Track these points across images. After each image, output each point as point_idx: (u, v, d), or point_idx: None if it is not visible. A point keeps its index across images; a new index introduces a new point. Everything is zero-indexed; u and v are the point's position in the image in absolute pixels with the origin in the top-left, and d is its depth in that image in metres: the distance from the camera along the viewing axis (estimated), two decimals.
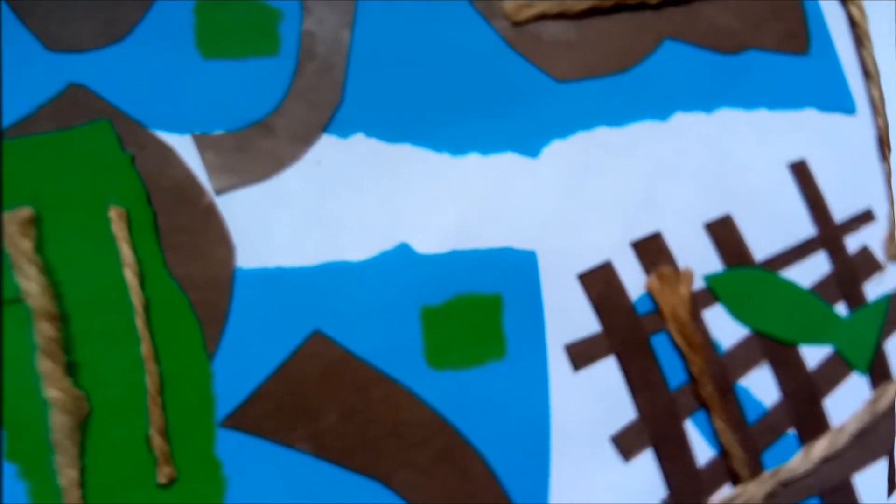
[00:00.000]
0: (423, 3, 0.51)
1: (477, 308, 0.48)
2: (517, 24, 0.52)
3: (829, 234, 0.55)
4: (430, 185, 0.49)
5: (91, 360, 0.42)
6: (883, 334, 0.54)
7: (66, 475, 0.40)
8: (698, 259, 0.53)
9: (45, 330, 0.41)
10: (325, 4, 0.49)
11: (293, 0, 0.49)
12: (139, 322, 0.42)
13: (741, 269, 0.53)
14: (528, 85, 0.52)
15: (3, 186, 0.42)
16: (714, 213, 0.54)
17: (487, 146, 0.51)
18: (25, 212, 0.42)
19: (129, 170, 0.45)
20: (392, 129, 0.49)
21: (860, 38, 0.58)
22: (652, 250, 0.52)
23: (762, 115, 0.56)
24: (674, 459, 0.49)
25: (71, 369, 0.41)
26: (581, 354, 0.49)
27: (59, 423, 0.40)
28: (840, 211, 0.56)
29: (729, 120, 0.55)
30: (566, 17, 0.53)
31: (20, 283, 0.41)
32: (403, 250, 0.48)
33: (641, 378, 0.49)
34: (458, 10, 0.52)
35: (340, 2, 0.50)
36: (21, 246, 0.42)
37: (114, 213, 0.44)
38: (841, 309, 0.54)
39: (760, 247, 0.54)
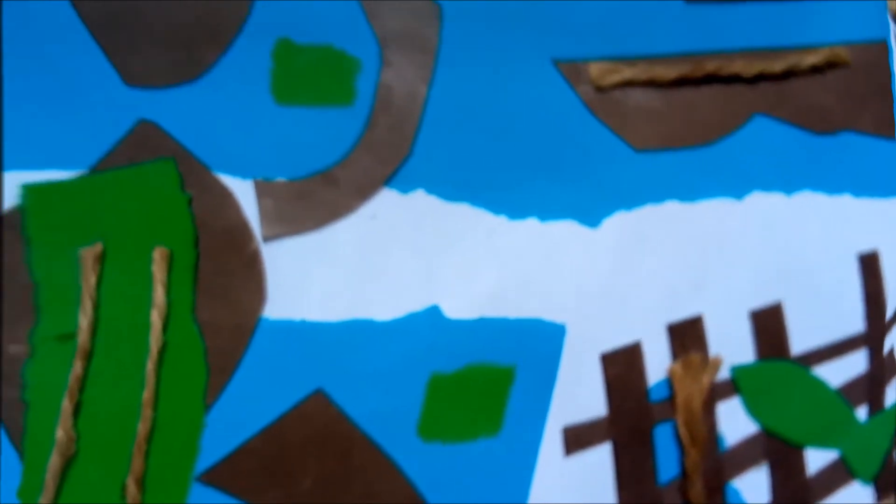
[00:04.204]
0: (505, 63, 0.41)
1: (486, 380, 0.40)
2: (601, 90, 0.42)
3: (875, 333, 0.44)
4: (476, 248, 0.40)
5: (93, 401, 0.36)
6: (894, 444, 0.43)
7: None
8: (734, 347, 0.43)
9: (76, 368, 0.35)
10: (406, 57, 0.40)
11: (373, 50, 0.40)
12: (150, 366, 0.36)
13: (772, 363, 0.43)
14: (603, 152, 0.42)
15: (77, 223, 0.37)
16: (766, 300, 0.43)
17: (547, 212, 0.41)
18: (98, 247, 0.36)
19: (184, 211, 0.38)
20: (454, 187, 0.40)
21: None
22: (687, 334, 0.42)
23: (845, 201, 0.44)
24: None
25: (76, 409, 0.35)
26: (576, 438, 0.40)
27: (52, 464, 0.35)
28: (892, 307, 0.44)
29: (808, 203, 0.44)
30: (654, 85, 0.42)
31: (80, 318, 0.36)
32: (432, 313, 0.39)
33: (632, 470, 0.41)
34: (541, 72, 0.42)
35: (421, 55, 0.40)
36: (90, 281, 0.36)
37: (157, 254, 0.37)
38: (862, 412, 0.43)
39: (803, 339, 0.43)
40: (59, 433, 0.34)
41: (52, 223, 0.36)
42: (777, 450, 0.42)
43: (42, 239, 0.36)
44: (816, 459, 0.42)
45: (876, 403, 0.43)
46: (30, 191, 0.36)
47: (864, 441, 0.43)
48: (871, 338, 0.43)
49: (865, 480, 0.42)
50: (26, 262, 0.36)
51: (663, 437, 0.41)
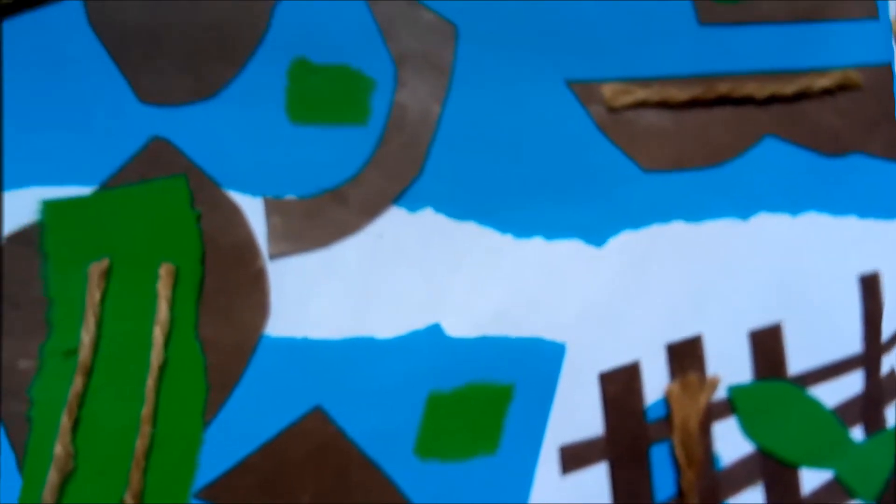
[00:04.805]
0: (519, 83, 0.40)
1: (485, 398, 0.38)
2: (614, 110, 0.40)
3: (872, 354, 0.42)
4: (481, 267, 0.39)
5: (92, 417, 0.35)
6: None
7: None
8: (732, 367, 0.41)
9: (77, 384, 0.34)
10: (421, 77, 0.39)
11: (388, 70, 0.39)
12: (150, 382, 0.35)
13: (768, 383, 0.41)
14: (612, 172, 0.40)
15: (86, 239, 0.35)
16: (766, 320, 0.41)
17: (553, 231, 0.39)
18: (105, 263, 0.35)
19: (192, 228, 0.36)
20: (462, 206, 0.39)
21: None
22: (686, 354, 0.40)
23: (849, 223, 0.42)
24: None
25: (76, 425, 0.34)
26: (573, 457, 0.38)
27: (50, 480, 0.34)
28: (890, 329, 0.42)
29: (813, 224, 0.42)
30: (666, 106, 0.40)
31: (82, 334, 0.34)
32: (433, 331, 0.38)
33: (628, 489, 0.39)
34: (554, 92, 0.40)
35: (436, 75, 0.39)
36: (94, 297, 0.35)
37: (163, 271, 0.35)
38: (857, 433, 0.41)
39: (801, 360, 0.41)
40: (58, 449, 0.33)
41: (66, 239, 0.35)
42: (772, 469, 0.40)
43: (56, 254, 0.35)
44: (811, 480, 0.41)
45: (873, 424, 0.41)
46: (48, 206, 0.35)
47: (862, 461, 0.41)
48: (868, 358, 0.42)
49: (867, 500, 0.41)
50: (42, 277, 0.34)
51: (659, 457, 0.39)
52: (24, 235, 0.35)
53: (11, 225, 0.35)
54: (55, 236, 0.35)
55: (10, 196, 0.35)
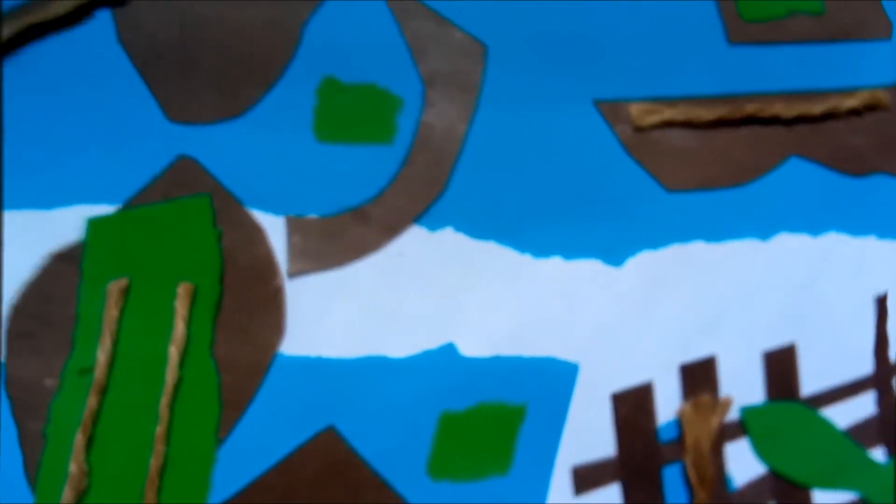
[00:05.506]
0: (546, 102, 0.38)
1: (497, 418, 0.36)
2: (640, 130, 0.38)
3: (882, 374, 0.40)
4: (498, 286, 0.37)
5: (106, 435, 0.33)
6: None
7: None
8: (745, 388, 0.40)
9: (91, 402, 0.33)
10: (448, 96, 0.37)
11: (416, 88, 0.37)
12: (164, 401, 0.33)
13: (780, 404, 0.39)
14: (635, 192, 0.38)
15: (110, 258, 0.34)
16: (780, 340, 0.40)
17: (572, 250, 0.38)
18: (123, 282, 0.34)
19: (213, 246, 0.35)
20: (482, 225, 0.37)
21: None
22: (699, 375, 0.39)
23: (869, 243, 0.41)
24: None
25: (90, 443, 0.33)
26: (586, 478, 0.36)
27: (64, 498, 0.33)
28: None
29: (832, 244, 0.40)
30: (692, 126, 0.39)
31: (98, 353, 0.33)
32: (447, 350, 0.36)
33: None
34: (580, 112, 0.38)
35: (463, 94, 0.37)
36: (111, 315, 0.34)
37: (181, 289, 0.34)
38: (878, 454, 0.40)
39: (813, 380, 0.40)
40: (72, 467, 0.31)
41: (96, 257, 0.34)
42: (784, 491, 0.38)
43: (88, 272, 0.33)
44: (826, 500, 0.40)
45: (894, 445, 0.40)
46: (92, 224, 0.34)
47: (888, 481, 0.39)
48: (878, 380, 0.41)
49: None
50: (77, 295, 0.33)
51: (672, 478, 0.37)
52: (69, 254, 0.33)
53: (55, 243, 0.34)
54: (90, 254, 0.34)
55: (52, 214, 0.34)
